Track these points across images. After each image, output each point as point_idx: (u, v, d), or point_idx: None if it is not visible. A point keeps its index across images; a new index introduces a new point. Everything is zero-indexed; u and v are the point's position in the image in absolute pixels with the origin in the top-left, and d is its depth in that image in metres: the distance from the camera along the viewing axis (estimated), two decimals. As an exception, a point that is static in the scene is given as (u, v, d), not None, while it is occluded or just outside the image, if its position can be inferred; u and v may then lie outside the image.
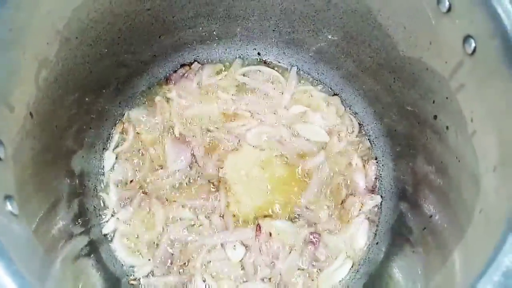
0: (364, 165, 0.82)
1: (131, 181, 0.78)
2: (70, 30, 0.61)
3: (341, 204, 0.79)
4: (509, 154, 0.49)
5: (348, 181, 0.81)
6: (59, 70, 0.61)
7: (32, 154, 0.56)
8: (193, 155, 0.80)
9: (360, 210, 0.79)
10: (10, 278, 0.38)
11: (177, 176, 0.79)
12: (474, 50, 0.52)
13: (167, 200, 0.78)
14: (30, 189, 0.53)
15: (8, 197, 0.46)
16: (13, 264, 0.39)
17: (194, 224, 0.77)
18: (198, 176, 0.79)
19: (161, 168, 0.80)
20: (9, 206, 0.46)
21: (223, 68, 0.87)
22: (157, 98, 0.83)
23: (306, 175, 0.81)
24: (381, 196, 0.80)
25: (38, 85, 0.57)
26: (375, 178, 0.82)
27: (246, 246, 0.76)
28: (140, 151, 0.81)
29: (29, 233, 0.48)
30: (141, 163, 0.80)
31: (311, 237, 0.77)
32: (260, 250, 0.76)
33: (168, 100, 0.84)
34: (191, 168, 0.80)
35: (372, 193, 0.81)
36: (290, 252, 0.76)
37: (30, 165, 0.55)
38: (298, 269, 0.76)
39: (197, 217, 0.77)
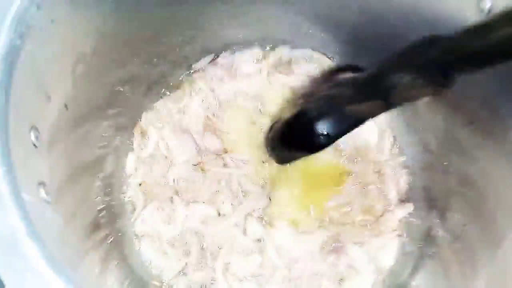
0: (395, 174, 0.80)
1: (140, 184, 0.78)
2: (108, 25, 0.62)
3: (376, 218, 0.77)
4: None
5: (381, 192, 0.79)
6: (94, 64, 0.62)
7: (64, 145, 0.56)
8: (194, 140, 0.80)
9: (394, 229, 0.77)
10: (45, 261, 0.38)
11: (186, 167, 0.78)
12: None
13: (183, 194, 0.77)
14: (61, 179, 0.53)
15: (42, 184, 0.46)
16: (47, 248, 0.39)
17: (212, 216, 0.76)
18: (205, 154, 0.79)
19: (171, 163, 0.79)
20: (42, 193, 0.46)
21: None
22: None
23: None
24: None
25: (74, 78, 0.58)
26: (407, 188, 0.79)
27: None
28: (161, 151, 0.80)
29: (60, 221, 0.48)
30: (158, 162, 0.80)
31: (333, 245, 0.75)
32: (278, 252, 0.75)
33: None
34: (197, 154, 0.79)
35: (404, 203, 0.78)
36: (309, 257, 0.75)
37: (62, 156, 0.55)
38: (317, 274, 0.74)
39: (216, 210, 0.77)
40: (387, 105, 0.56)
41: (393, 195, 0.78)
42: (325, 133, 0.60)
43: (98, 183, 0.68)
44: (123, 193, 0.77)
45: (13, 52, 0.46)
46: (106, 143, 0.72)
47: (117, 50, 0.66)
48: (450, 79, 0.48)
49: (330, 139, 0.61)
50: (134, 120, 0.80)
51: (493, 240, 0.55)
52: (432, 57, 0.48)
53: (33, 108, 0.48)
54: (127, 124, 0.78)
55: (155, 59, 0.76)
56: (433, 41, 0.48)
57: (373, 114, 0.58)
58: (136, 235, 0.76)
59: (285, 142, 0.71)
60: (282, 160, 0.76)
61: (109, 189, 0.73)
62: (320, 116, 0.61)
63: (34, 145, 0.47)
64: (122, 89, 0.72)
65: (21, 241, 0.38)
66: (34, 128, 0.48)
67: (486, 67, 0.44)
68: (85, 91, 0.61)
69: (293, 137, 0.68)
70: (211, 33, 0.80)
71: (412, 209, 0.78)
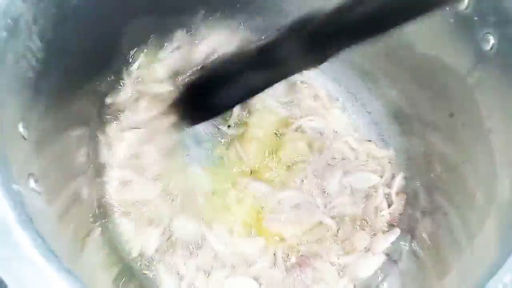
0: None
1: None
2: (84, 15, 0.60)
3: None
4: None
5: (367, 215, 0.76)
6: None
7: (53, 137, 0.57)
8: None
9: (366, 247, 0.74)
10: (37, 250, 0.39)
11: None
12: (492, 47, 0.53)
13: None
14: (49, 169, 0.54)
15: (31, 175, 0.47)
16: (39, 237, 0.40)
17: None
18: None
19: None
20: (32, 183, 0.47)
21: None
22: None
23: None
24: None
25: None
26: (400, 214, 0.76)
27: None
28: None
29: (50, 211, 0.49)
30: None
31: (298, 260, 0.72)
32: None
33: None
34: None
35: (393, 227, 0.75)
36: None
37: (51, 148, 0.56)
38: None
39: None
40: (274, 77, 0.63)
41: (383, 221, 0.76)
42: (217, 102, 0.67)
43: (87, 174, 0.69)
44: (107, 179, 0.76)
45: (0, 45, 0.46)
46: (92, 135, 0.73)
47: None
48: (323, 52, 0.56)
49: (221, 109, 0.71)
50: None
51: (472, 232, 0.57)
52: (308, 33, 0.55)
53: (21, 100, 0.49)
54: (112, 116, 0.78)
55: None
56: (311, 18, 0.55)
57: (262, 86, 0.65)
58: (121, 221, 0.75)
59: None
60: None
61: (98, 180, 0.73)
62: (212, 86, 0.67)
63: (23, 137, 0.48)
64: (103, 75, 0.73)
65: (13, 231, 0.39)
66: (22, 120, 0.48)
67: (356, 42, 0.52)
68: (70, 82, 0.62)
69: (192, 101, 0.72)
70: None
71: (399, 233, 0.74)
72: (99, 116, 0.74)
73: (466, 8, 0.55)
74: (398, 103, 0.78)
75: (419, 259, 0.69)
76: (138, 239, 0.72)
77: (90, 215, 0.66)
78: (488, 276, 0.44)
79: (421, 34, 0.65)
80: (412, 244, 0.72)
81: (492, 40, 0.53)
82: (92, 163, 0.72)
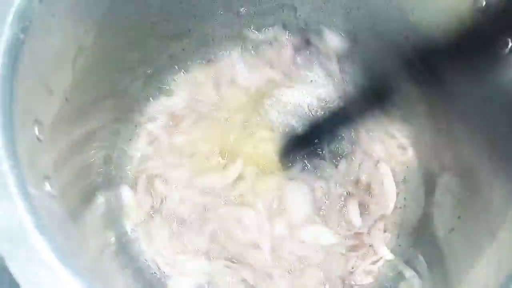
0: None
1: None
2: (107, 19, 0.62)
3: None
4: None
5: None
6: (94, 57, 0.62)
7: (66, 139, 0.57)
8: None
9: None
10: (54, 254, 0.39)
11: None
12: (511, 50, 0.53)
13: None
14: (65, 172, 0.54)
15: (47, 178, 0.47)
16: (55, 241, 0.40)
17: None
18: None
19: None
20: (48, 187, 0.46)
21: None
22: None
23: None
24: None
25: (74, 71, 0.58)
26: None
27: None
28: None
29: (65, 214, 0.49)
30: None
31: None
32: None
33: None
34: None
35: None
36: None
37: (65, 150, 0.56)
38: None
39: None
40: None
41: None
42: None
43: (100, 176, 0.69)
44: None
45: (17, 46, 0.46)
46: (106, 136, 0.72)
47: (116, 44, 0.67)
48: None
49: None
50: (132, 113, 0.80)
51: (490, 234, 0.56)
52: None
53: (36, 101, 0.49)
54: (127, 117, 0.78)
55: (154, 53, 0.77)
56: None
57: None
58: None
59: None
60: None
61: (111, 183, 0.73)
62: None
63: (38, 138, 0.48)
64: (120, 82, 0.73)
65: (29, 234, 0.39)
66: (37, 121, 0.48)
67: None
68: (85, 84, 0.62)
69: None
70: (208, 24, 0.80)
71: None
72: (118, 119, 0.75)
73: (484, 9, 0.55)
74: (410, 106, 0.77)
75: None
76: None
77: (105, 217, 0.66)
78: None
79: (437, 36, 0.64)
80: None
81: (510, 43, 0.52)
82: (108, 165, 0.72)
